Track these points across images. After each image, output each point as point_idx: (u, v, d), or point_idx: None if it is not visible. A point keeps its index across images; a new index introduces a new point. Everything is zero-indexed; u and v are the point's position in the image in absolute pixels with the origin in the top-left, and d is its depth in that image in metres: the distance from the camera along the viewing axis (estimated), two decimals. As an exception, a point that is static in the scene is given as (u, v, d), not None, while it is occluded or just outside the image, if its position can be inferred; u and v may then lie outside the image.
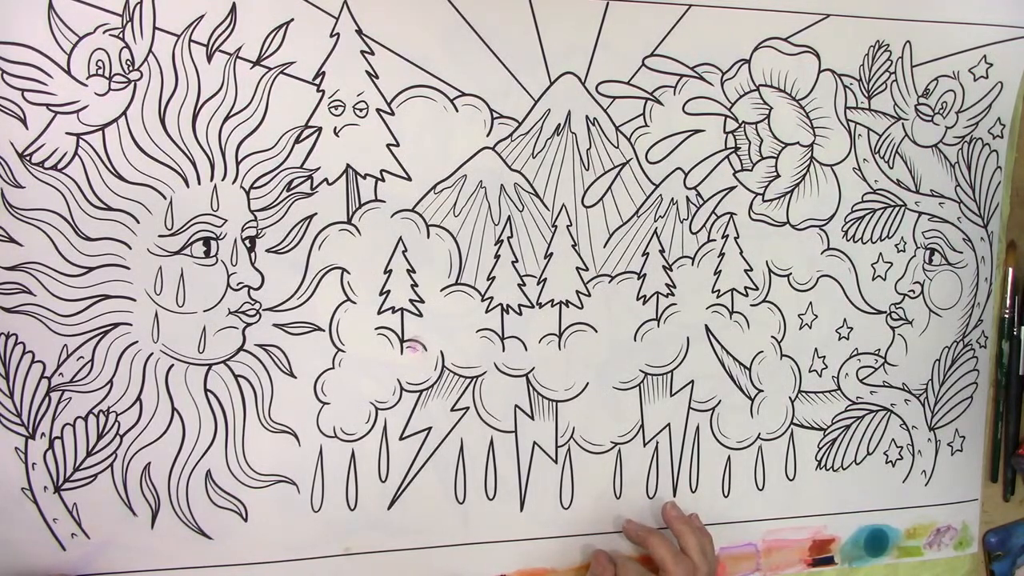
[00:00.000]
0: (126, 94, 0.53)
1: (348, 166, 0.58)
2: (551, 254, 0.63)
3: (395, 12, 0.57)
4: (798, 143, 0.67)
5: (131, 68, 0.53)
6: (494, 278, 0.62)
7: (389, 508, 0.62)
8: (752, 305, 0.68)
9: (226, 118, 0.55)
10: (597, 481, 0.66)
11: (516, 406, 0.63)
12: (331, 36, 0.56)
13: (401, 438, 0.61)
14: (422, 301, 0.60)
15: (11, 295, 0.53)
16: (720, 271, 0.66)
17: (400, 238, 0.60)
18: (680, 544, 0.63)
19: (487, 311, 0.62)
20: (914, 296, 0.72)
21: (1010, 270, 0.75)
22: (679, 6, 0.62)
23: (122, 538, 0.57)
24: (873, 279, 0.70)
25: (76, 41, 0.52)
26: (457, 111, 0.59)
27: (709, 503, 0.68)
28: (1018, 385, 0.76)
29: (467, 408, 0.62)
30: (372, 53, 0.57)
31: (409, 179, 0.59)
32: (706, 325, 0.67)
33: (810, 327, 0.69)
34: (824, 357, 0.70)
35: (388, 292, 0.60)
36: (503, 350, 0.63)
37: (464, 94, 0.59)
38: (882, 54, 0.67)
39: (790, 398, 0.70)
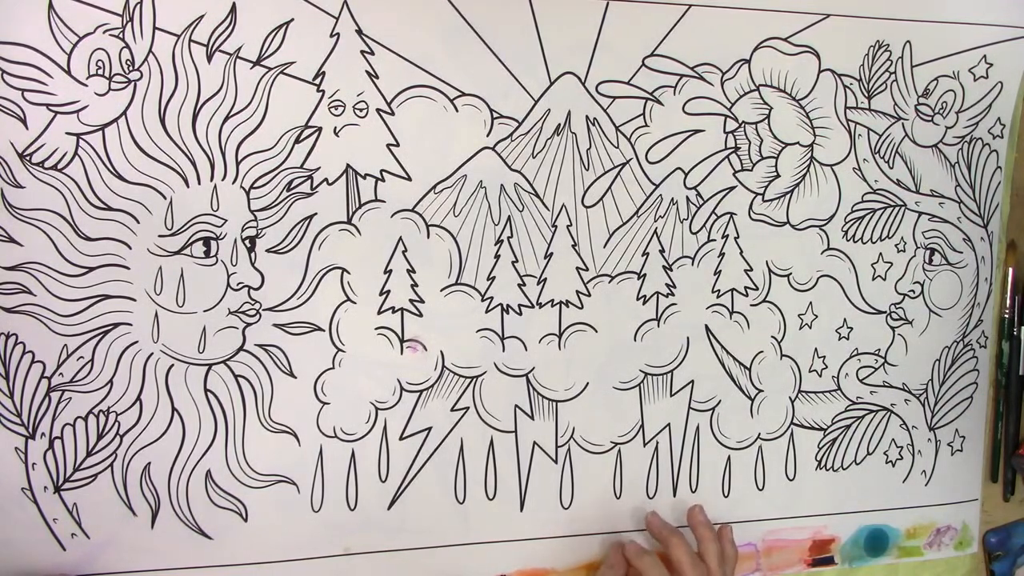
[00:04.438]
0: (126, 94, 0.53)
1: (348, 166, 0.58)
2: (551, 254, 0.63)
3: (395, 12, 0.57)
4: (798, 143, 0.67)
5: (131, 68, 0.53)
6: (494, 278, 0.62)
7: (389, 508, 0.62)
8: (752, 305, 0.68)
9: (226, 118, 0.55)
10: (597, 481, 0.66)
11: (516, 406, 0.63)
12: (331, 36, 0.56)
13: (401, 438, 0.61)
14: (422, 301, 0.60)
15: (11, 295, 0.53)
16: (720, 271, 0.66)
17: (400, 238, 0.60)
18: (700, 549, 0.62)
19: (487, 311, 0.62)
20: (914, 296, 0.72)
21: (1010, 270, 0.75)
22: (679, 6, 0.62)
23: (122, 538, 0.57)
24: (873, 279, 0.70)
25: (76, 41, 0.52)
26: (457, 111, 0.59)
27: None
28: (1018, 385, 0.76)
29: (467, 408, 0.62)
30: (372, 53, 0.57)
31: (409, 179, 0.59)
32: (706, 325, 0.67)
33: (810, 327, 0.69)
34: (824, 357, 0.70)
35: (388, 292, 0.60)
36: (503, 350, 0.63)
37: (464, 94, 0.59)
38: (882, 54, 0.67)
39: (790, 398, 0.70)
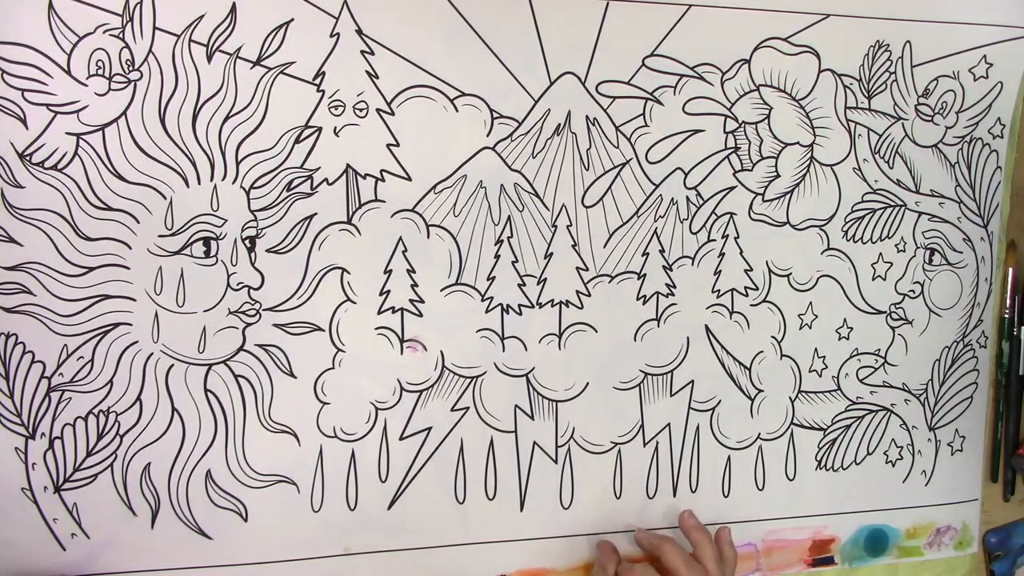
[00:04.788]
0: (126, 94, 0.53)
1: (348, 166, 0.58)
2: (551, 254, 0.63)
3: (395, 12, 0.57)
4: (798, 143, 0.67)
5: (131, 68, 0.53)
6: (494, 278, 0.62)
7: (389, 508, 0.62)
8: (752, 305, 0.68)
9: (226, 118, 0.55)
10: (597, 481, 0.66)
11: (516, 406, 0.63)
12: (331, 36, 0.56)
13: (401, 438, 0.61)
14: (422, 301, 0.60)
15: (11, 295, 0.53)
16: (720, 271, 0.66)
17: (400, 238, 0.60)
18: (696, 552, 0.62)
19: (487, 311, 0.62)
20: (914, 296, 0.72)
21: (1010, 270, 0.75)
22: (679, 6, 0.62)
23: (122, 538, 0.57)
24: (873, 279, 0.70)
25: (76, 41, 0.52)
26: (457, 111, 0.59)
27: (709, 503, 0.68)
28: (1018, 385, 0.76)
29: (467, 408, 0.62)
30: (372, 53, 0.57)
31: (409, 179, 0.59)
32: (706, 325, 0.67)
33: (810, 327, 0.69)
34: (824, 357, 0.70)
35: (388, 292, 0.60)
36: (503, 350, 0.63)
37: (464, 94, 0.59)
38: (882, 54, 0.67)
39: (790, 398, 0.70)
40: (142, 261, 0.55)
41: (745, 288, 0.67)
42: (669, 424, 0.67)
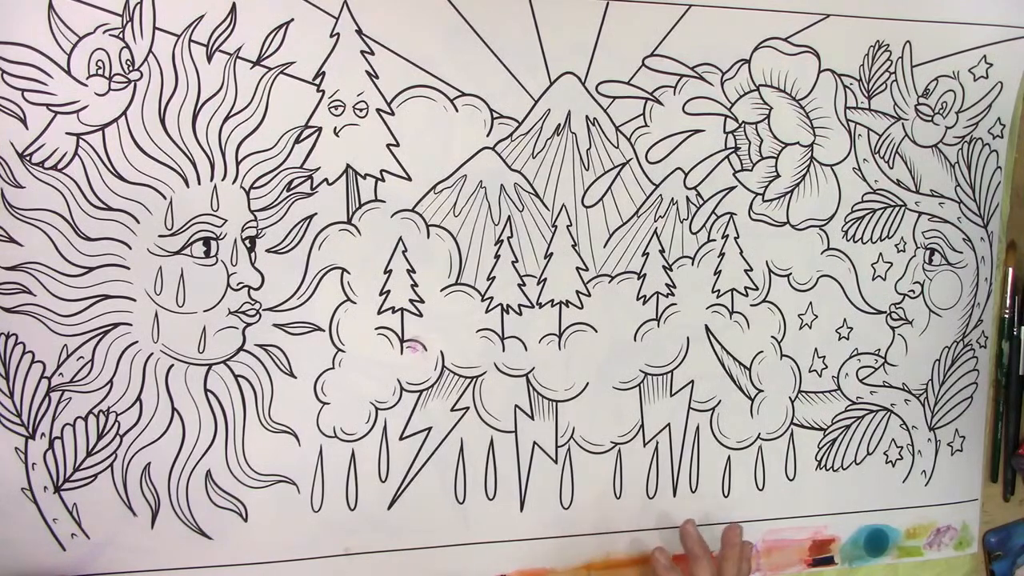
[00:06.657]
0: (126, 94, 0.53)
1: (348, 166, 0.58)
2: (551, 254, 0.63)
3: (395, 12, 0.57)
4: (798, 143, 0.67)
5: (131, 68, 0.53)
6: (494, 278, 0.62)
7: (389, 508, 0.62)
8: (752, 305, 0.68)
9: (226, 118, 0.55)
10: (597, 481, 0.66)
11: (516, 406, 0.63)
12: (331, 36, 0.56)
13: (401, 438, 0.61)
14: (422, 301, 0.60)
15: (11, 295, 0.53)
16: (720, 271, 0.66)
17: (400, 238, 0.60)
18: (720, 568, 0.62)
19: (487, 311, 0.62)
20: (914, 296, 0.72)
21: (1010, 270, 0.75)
22: (679, 6, 0.62)
23: (122, 538, 0.57)
24: (873, 279, 0.70)
25: (76, 41, 0.52)
26: (457, 111, 0.59)
27: (709, 503, 0.68)
28: (1018, 385, 0.76)
29: (467, 408, 0.62)
30: (372, 53, 0.57)
31: (409, 179, 0.59)
32: (706, 325, 0.67)
33: (810, 327, 0.69)
34: (824, 357, 0.70)
35: (388, 292, 0.60)
36: (503, 350, 0.63)
37: (464, 94, 0.59)
38: (882, 54, 0.67)
39: (790, 398, 0.70)
40: (142, 261, 0.55)
41: (745, 288, 0.67)
42: (669, 424, 0.67)
